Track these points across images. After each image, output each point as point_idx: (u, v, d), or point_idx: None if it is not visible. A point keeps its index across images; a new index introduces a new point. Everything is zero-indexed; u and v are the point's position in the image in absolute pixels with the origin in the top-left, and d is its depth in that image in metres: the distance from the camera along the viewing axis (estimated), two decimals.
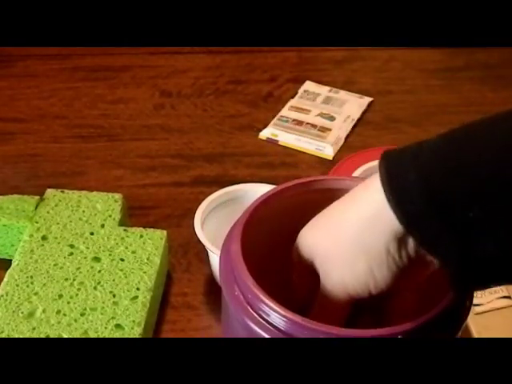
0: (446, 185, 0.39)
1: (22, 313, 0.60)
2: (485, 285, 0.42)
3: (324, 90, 0.94)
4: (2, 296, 0.61)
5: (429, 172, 0.40)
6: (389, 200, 0.41)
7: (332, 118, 0.89)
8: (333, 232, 0.46)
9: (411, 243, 0.42)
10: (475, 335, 0.59)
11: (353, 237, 0.44)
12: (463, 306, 0.44)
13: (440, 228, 0.39)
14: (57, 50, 0.96)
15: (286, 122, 0.88)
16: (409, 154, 0.42)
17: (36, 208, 0.68)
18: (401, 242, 0.42)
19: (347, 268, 0.45)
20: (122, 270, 0.63)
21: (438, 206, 0.39)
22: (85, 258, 0.64)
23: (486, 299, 0.62)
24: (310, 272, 0.48)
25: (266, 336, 0.41)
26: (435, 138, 0.43)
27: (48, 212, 0.68)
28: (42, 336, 0.58)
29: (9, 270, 0.63)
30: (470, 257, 0.39)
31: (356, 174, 0.74)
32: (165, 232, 0.67)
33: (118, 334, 0.59)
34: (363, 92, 0.94)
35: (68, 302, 0.61)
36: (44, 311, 0.60)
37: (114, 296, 0.61)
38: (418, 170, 0.40)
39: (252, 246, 0.47)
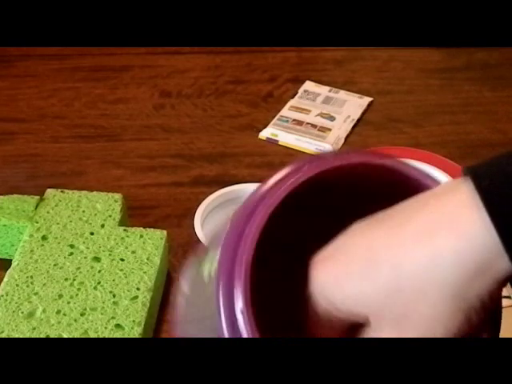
0: None
1: (22, 313, 0.60)
2: None
3: (324, 90, 0.94)
4: (2, 296, 0.61)
5: None
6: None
7: (332, 118, 0.89)
8: (410, 291, 0.34)
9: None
10: None
11: (446, 295, 0.34)
12: None
13: None
14: (57, 50, 0.96)
15: (286, 122, 0.88)
16: None
17: (36, 208, 0.69)
18: (504, 279, 0.34)
19: (437, 327, 0.35)
20: (122, 270, 0.63)
21: None
22: (85, 257, 0.64)
23: None
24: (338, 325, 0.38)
25: None
26: None
27: (48, 212, 0.68)
28: (42, 336, 0.58)
29: (9, 270, 0.63)
30: None
31: None
32: (165, 232, 0.67)
33: (118, 334, 0.59)
34: (363, 92, 0.94)
35: (68, 302, 0.61)
36: (44, 311, 0.60)
37: (114, 296, 0.61)
38: None
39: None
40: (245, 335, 0.36)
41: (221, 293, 0.37)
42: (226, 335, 0.37)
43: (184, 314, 0.44)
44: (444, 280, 0.33)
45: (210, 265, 0.40)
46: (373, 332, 0.36)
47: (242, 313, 0.36)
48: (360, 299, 0.35)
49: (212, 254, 0.40)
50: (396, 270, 0.34)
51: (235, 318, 0.36)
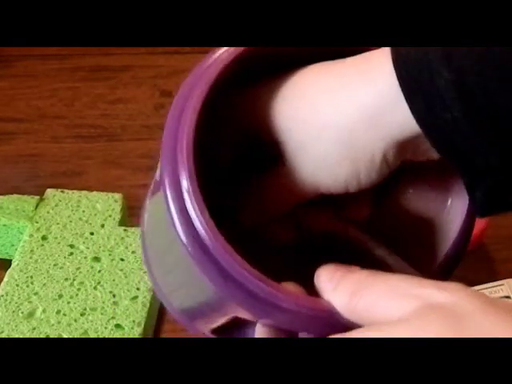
0: (491, 89, 0.32)
1: (22, 313, 0.60)
2: None
3: None
4: (2, 296, 0.61)
5: (467, 72, 0.32)
6: (410, 102, 0.33)
7: None
8: (313, 122, 0.37)
9: (416, 147, 0.35)
10: None
11: (340, 138, 0.36)
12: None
13: (480, 143, 0.33)
14: (56, 49, 0.97)
15: None
16: (436, 50, 0.34)
17: (36, 208, 0.69)
18: (403, 146, 0.35)
19: (325, 170, 0.37)
20: (122, 270, 0.63)
21: (481, 117, 0.32)
22: (85, 257, 0.64)
23: None
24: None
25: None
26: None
27: (48, 212, 0.68)
28: (42, 336, 0.58)
29: (9, 270, 0.63)
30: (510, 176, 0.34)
31: None
32: None
33: (118, 334, 0.59)
34: None
35: (68, 302, 0.61)
36: (44, 311, 0.60)
37: (114, 296, 0.61)
38: (453, 69, 0.33)
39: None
40: (193, 215, 0.35)
41: (166, 178, 0.36)
42: (177, 221, 0.36)
43: (147, 229, 0.44)
44: (339, 122, 0.35)
45: None
46: (285, 155, 0.39)
47: (188, 192, 0.35)
48: (278, 122, 0.38)
49: None
50: (307, 102, 0.37)
51: (182, 199, 0.36)
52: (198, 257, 0.35)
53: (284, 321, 0.36)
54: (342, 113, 0.36)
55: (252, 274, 0.35)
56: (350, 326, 0.34)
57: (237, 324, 0.40)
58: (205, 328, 0.42)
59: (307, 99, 0.37)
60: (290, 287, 0.36)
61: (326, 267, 0.36)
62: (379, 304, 0.33)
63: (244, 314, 0.38)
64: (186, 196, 0.36)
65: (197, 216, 0.35)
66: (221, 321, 0.41)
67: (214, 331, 0.42)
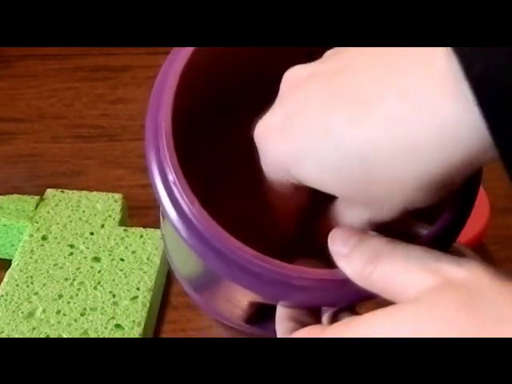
0: None
1: (22, 313, 0.60)
2: None
3: None
4: (2, 296, 0.61)
5: None
6: (501, 148, 0.26)
7: None
8: (390, 181, 0.30)
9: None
10: None
11: (426, 183, 0.30)
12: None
13: None
14: (57, 50, 0.97)
15: None
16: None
17: (36, 208, 0.69)
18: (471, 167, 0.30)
19: (413, 206, 0.32)
20: (121, 270, 0.63)
21: None
22: (85, 257, 0.64)
23: None
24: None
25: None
26: None
27: (48, 212, 0.68)
28: (42, 336, 0.58)
29: (9, 270, 0.63)
30: None
31: None
32: None
33: (118, 334, 0.59)
34: None
35: (68, 302, 0.61)
36: (44, 311, 0.60)
37: (114, 296, 0.61)
38: None
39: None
40: (183, 205, 0.36)
41: (154, 171, 0.37)
42: (172, 215, 0.36)
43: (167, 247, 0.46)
44: (425, 173, 0.29)
45: None
46: (344, 208, 0.35)
47: (174, 183, 0.36)
48: (326, 186, 0.32)
49: None
50: (366, 163, 0.30)
51: (171, 191, 0.36)
52: (198, 248, 0.35)
53: (299, 299, 0.35)
54: (419, 165, 0.29)
55: (254, 256, 0.34)
56: (369, 294, 0.33)
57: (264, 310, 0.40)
58: (232, 315, 0.42)
59: (359, 165, 0.30)
60: (304, 262, 0.35)
61: (340, 229, 0.34)
62: (395, 276, 0.31)
63: (256, 298, 0.38)
64: (174, 189, 0.36)
65: (189, 209, 0.35)
66: (242, 308, 0.41)
67: (244, 320, 0.42)
